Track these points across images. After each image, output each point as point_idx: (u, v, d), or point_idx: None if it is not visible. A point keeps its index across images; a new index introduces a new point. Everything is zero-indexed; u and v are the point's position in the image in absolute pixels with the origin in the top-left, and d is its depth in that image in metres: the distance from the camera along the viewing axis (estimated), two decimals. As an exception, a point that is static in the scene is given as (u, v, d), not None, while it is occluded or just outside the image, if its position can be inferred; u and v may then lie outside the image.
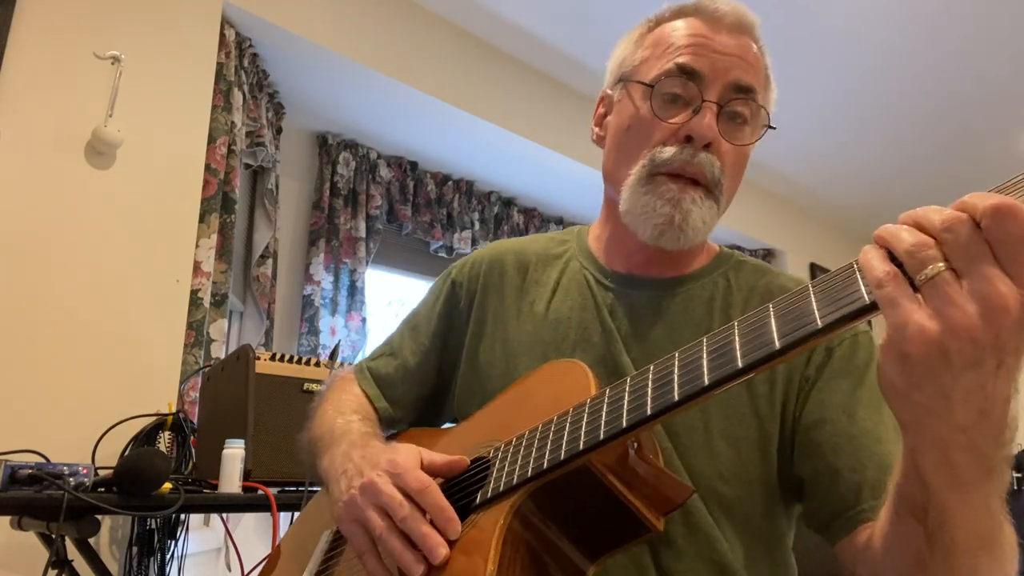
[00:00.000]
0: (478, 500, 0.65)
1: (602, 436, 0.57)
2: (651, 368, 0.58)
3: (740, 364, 0.50)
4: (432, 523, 0.63)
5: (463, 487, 0.69)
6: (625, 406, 0.57)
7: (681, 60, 0.80)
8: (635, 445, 0.62)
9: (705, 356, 0.53)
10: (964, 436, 0.46)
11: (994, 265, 0.42)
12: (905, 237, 0.44)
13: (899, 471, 0.54)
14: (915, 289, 0.44)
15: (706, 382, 0.52)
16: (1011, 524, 0.53)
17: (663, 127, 0.80)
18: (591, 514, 0.62)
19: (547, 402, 0.69)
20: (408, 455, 0.69)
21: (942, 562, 0.52)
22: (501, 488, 0.63)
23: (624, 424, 0.56)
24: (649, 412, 0.55)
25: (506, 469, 0.64)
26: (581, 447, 0.58)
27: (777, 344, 0.48)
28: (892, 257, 0.45)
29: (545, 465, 0.60)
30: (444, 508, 0.63)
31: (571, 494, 0.62)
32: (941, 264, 0.43)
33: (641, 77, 0.83)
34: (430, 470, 0.68)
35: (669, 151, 0.79)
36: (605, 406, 0.60)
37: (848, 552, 0.69)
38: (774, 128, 0.84)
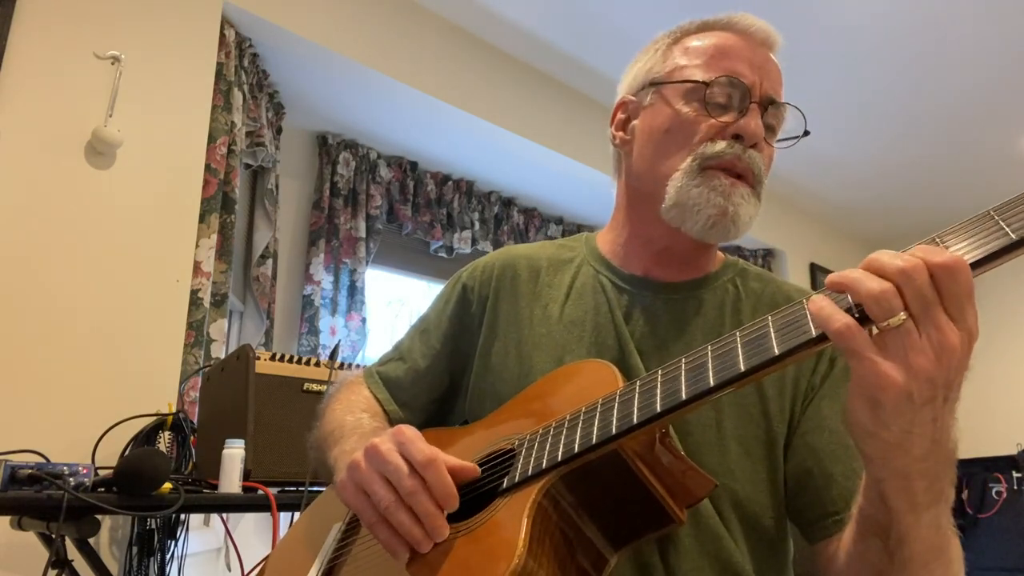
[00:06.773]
0: (505, 484, 0.66)
1: (635, 420, 0.59)
2: (683, 359, 0.60)
3: (777, 351, 0.53)
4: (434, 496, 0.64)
5: (487, 475, 0.70)
6: (659, 393, 0.59)
7: (730, 72, 0.82)
8: (662, 433, 0.64)
9: (740, 345, 0.56)
10: (923, 464, 0.53)
11: (944, 312, 0.48)
12: (871, 285, 0.48)
13: (863, 497, 0.60)
14: (868, 329, 0.49)
15: (742, 368, 0.54)
16: (957, 536, 0.61)
17: (711, 124, 0.81)
18: (618, 501, 0.64)
19: (572, 397, 0.70)
20: (413, 429, 0.70)
21: (900, 574, 0.59)
22: (530, 472, 0.64)
23: (659, 408, 0.58)
24: (684, 397, 0.56)
25: (534, 455, 0.66)
26: (614, 431, 0.60)
27: (813, 333, 0.51)
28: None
29: (576, 449, 0.61)
30: (446, 484, 0.65)
31: (600, 480, 0.63)
32: (903, 314, 0.48)
33: (681, 80, 0.85)
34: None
35: (720, 145, 0.80)
36: (637, 394, 0.61)
37: (823, 555, 0.73)
38: (809, 133, 0.86)
